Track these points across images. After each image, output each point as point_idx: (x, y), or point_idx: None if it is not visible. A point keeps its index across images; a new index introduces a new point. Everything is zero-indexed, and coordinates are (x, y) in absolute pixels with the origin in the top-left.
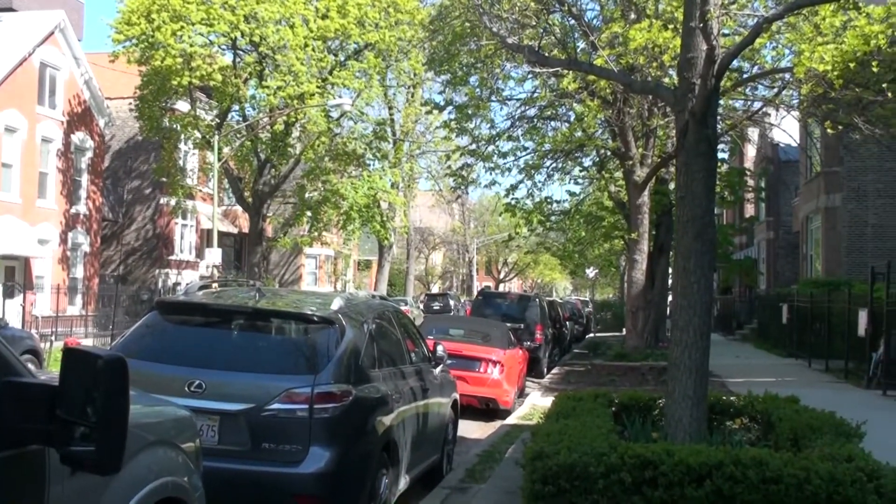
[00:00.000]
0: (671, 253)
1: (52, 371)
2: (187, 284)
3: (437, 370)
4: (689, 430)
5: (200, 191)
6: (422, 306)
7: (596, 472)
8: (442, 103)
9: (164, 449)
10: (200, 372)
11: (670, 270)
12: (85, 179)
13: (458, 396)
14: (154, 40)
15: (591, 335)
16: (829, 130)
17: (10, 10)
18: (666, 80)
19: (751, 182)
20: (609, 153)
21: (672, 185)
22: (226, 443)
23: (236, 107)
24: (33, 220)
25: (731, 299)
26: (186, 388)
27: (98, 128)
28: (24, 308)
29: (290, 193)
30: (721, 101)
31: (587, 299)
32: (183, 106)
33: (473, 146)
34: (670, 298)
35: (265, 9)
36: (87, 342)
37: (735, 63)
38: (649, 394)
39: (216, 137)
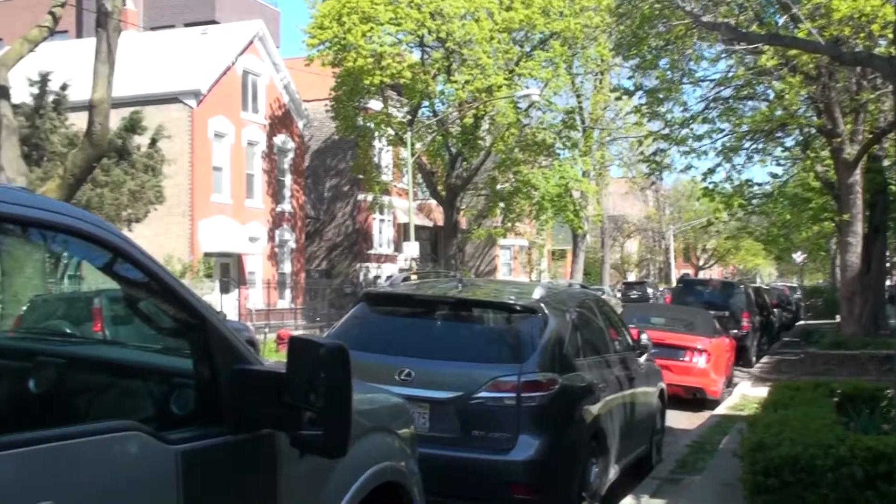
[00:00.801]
0: (888, 234)
1: (268, 360)
2: (390, 277)
3: (642, 359)
4: None
5: (395, 186)
6: (619, 295)
7: (824, 464)
8: (631, 88)
9: (381, 435)
10: (409, 361)
11: (887, 253)
12: (288, 179)
13: (664, 386)
14: (346, 42)
15: (801, 323)
16: None
17: (214, 22)
18: (877, 49)
19: None
20: (814, 131)
21: (886, 162)
22: (437, 430)
23: (426, 102)
24: (243, 220)
25: None
26: (396, 377)
27: (297, 129)
28: (239, 302)
29: (481, 185)
30: None
31: (795, 285)
32: (375, 104)
33: (666, 130)
34: (888, 282)
35: (450, 4)
36: (298, 334)
37: None
38: (874, 384)
39: (408, 133)
